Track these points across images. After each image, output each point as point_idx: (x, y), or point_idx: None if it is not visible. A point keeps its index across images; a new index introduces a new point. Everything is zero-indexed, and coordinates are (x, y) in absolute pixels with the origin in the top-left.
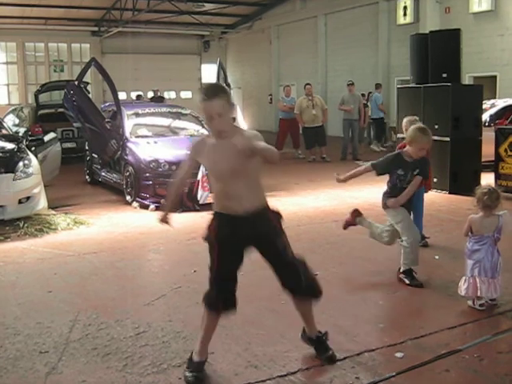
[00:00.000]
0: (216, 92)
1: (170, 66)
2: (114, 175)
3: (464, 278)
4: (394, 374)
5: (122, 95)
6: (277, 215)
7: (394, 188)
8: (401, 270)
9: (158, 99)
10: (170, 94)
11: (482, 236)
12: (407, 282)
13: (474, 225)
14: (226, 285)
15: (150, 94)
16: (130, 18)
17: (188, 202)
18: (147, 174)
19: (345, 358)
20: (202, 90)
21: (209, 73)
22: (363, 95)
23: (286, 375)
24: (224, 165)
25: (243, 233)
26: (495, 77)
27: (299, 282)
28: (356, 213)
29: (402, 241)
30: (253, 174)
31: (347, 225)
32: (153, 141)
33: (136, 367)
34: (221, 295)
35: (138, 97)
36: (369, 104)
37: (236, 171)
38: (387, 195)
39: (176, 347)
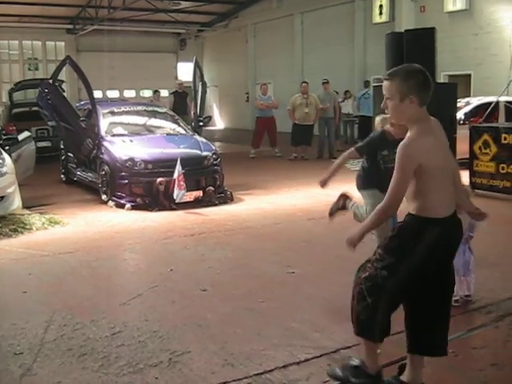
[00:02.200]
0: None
1: (147, 64)
2: (90, 174)
3: None
4: None
5: (97, 94)
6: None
7: (375, 169)
8: None
9: (182, 94)
10: (145, 93)
11: None
12: None
13: None
14: None
15: (128, 93)
16: (105, 15)
17: (164, 201)
18: (123, 173)
19: (321, 356)
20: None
21: (185, 71)
22: (337, 93)
23: (262, 373)
24: None
25: None
26: (469, 75)
27: None
28: (344, 197)
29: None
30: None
31: (334, 209)
32: (128, 139)
33: (112, 367)
34: None
35: (155, 92)
36: (348, 101)
37: None
38: (364, 179)
39: (152, 347)
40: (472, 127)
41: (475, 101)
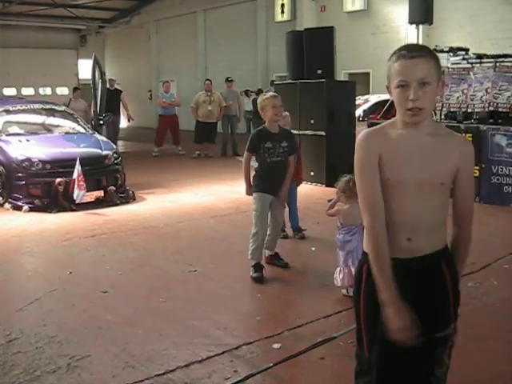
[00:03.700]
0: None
1: (45, 60)
2: None
3: (338, 268)
4: (271, 364)
5: None
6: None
7: (262, 164)
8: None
9: (115, 92)
10: (45, 90)
11: (350, 227)
12: (250, 273)
13: (343, 216)
14: None
15: (26, 91)
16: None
17: (64, 202)
18: (20, 174)
19: (223, 353)
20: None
21: (86, 68)
22: (249, 91)
23: (164, 373)
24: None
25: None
26: (368, 73)
27: None
28: None
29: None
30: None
31: None
32: (25, 139)
33: (7, 376)
34: None
35: (75, 89)
36: (249, 99)
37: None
38: (253, 181)
39: (50, 352)
40: (370, 123)
41: (374, 98)
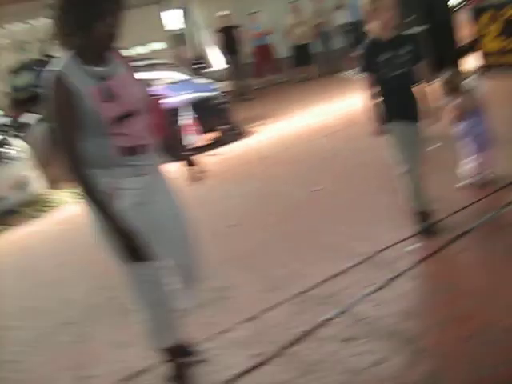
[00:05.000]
0: None
1: (132, 20)
2: None
3: (467, 160)
4: (413, 264)
5: None
6: None
7: (384, 83)
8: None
9: (229, 29)
10: (137, 49)
11: (472, 113)
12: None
13: (463, 108)
14: None
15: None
16: None
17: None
18: None
19: (359, 264)
20: None
21: (173, 19)
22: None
23: (304, 292)
24: None
25: None
26: None
27: None
28: None
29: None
30: None
31: None
32: None
33: None
34: None
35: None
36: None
37: None
38: (381, 107)
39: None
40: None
41: None
